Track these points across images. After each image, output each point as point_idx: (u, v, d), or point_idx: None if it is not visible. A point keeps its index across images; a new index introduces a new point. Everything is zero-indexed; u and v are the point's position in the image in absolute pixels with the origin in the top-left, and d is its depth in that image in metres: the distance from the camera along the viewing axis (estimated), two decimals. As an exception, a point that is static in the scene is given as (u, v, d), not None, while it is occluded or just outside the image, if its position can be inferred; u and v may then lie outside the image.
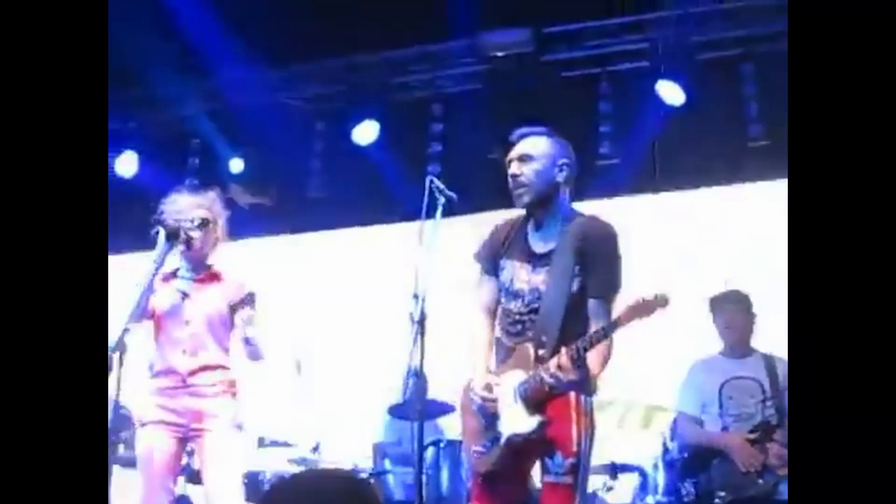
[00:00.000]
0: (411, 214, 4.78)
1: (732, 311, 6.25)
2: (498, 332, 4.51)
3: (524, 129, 4.52)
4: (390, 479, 7.02)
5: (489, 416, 4.35)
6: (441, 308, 4.65)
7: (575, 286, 4.26)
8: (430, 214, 4.48)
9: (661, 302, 3.99)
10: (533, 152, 4.44)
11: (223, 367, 5.26)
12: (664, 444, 6.79)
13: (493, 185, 8.11)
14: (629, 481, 6.75)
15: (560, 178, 4.47)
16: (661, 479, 6.53)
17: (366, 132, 9.06)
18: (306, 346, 9.21)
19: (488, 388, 4.34)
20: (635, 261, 8.82)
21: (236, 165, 9.63)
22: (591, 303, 4.27)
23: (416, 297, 4.30)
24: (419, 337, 4.24)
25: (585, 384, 4.21)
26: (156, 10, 8.09)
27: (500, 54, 8.64)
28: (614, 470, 6.77)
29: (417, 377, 4.33)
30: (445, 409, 6.86)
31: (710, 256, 8.76)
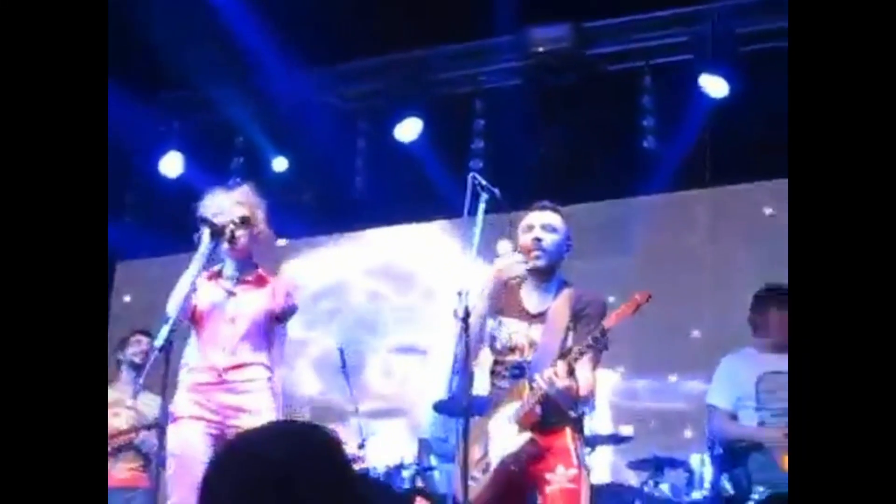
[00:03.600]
0: (454, 211, 4.81)
1: (774, 306, 6.19)
2: (494, 382, 4.76)
3: (545, 202, 4.87)
4: (436, 475, 7.04)
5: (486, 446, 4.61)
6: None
7: (569, 341, 4.53)
8: (473, 211, 4.52)
9: (642, 300, 4.34)
10: (556, 224, 4.79)
11: (262, 364, 5.22)
12: (710, 439, 6.77)
13: (536, 182, 8.23)
14: (674, 477, 6.74)
15: (566, 254, 4.83)
16: (707, 474, 6.52)
17: (408, 129, 9.08)
18: (352, 343, 9.28)
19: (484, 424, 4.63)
20: (678, 255, 8.90)
21: (280, 164, 9.68)
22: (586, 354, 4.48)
23: (459, 293, 4.34)
24: (464, 333, 4.28)
25: (576, 396, 4.45)
26: (200, 11, 8.14)
27: (541, 49, 8.63)
28: (659, 464, 6.76)
29: (463, 373, 4.37)
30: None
31: (754, 253, 8.70)
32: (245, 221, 5.17)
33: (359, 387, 8.36)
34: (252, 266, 5.32)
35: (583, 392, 4.47)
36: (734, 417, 6.06)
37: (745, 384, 6.02)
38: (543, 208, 4.83)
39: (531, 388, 4.46)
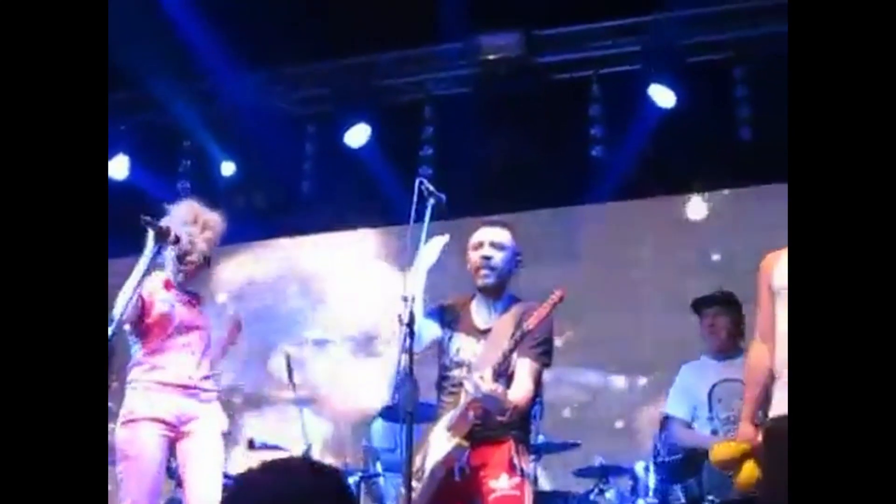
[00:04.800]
0: (401, 217, 4.82)
1: (715, 312, 6.30)
2: (440, 396, 4.80)
3: (494, 218, 5.04)
4: (381, 482, 7.02)
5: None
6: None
7: (506, 348, 4.46)
8: (420, 217, 4.52)
9: (558, 299, 4.43)
10: (504, 242, 4.79)
11: (217, 374, 5.33)
12: (654, 447, 6.80)
13: (484, 189, 8.25)
14: (620, 484, 6.77)
15: (515, 269, 4.83)
16: (651, 481, 6.54)
17: (357, 135, 9.06)
18: (297, 349, 9.24)
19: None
20: (626, 263, 8.98)
21: (228, 168, 9.63)
22: (520, 361, 4.54)
23: (404, 299, 4.35)
24: (408, 339, 4.30)
25: (503, 403, 4.38)
26: (147, 11, 8.08)
27: (491, 57, 8.64)
28: (604, 472, 6.78)
29: (406, 379, 4.37)
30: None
31: (702, 260, 8.80)
32: (193, 222, 5.23)
33: (302, 392, 8.30)
34: (196, 278, 5.41)
35: (516, 399, 4.43)
36: (689, 426, 6.13)
37: (699, 394, 6.10)
38: (492, 224, 4.86)
39: (465, 396, 4.47)
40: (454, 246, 4.83)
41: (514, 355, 4.47)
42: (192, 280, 5.44)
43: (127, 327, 5.11)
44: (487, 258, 4.72)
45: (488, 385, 4.29)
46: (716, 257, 8.85)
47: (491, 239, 4.76)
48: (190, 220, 5.26)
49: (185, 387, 5.17)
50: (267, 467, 2.16)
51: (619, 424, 8.74)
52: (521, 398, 4.47)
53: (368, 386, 9.33)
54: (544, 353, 4.58)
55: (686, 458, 6.17)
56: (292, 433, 7.52)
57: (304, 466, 2.17)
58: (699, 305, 6.41)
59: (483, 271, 4.73)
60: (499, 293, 4.79)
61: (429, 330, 4.74)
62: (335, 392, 9.48)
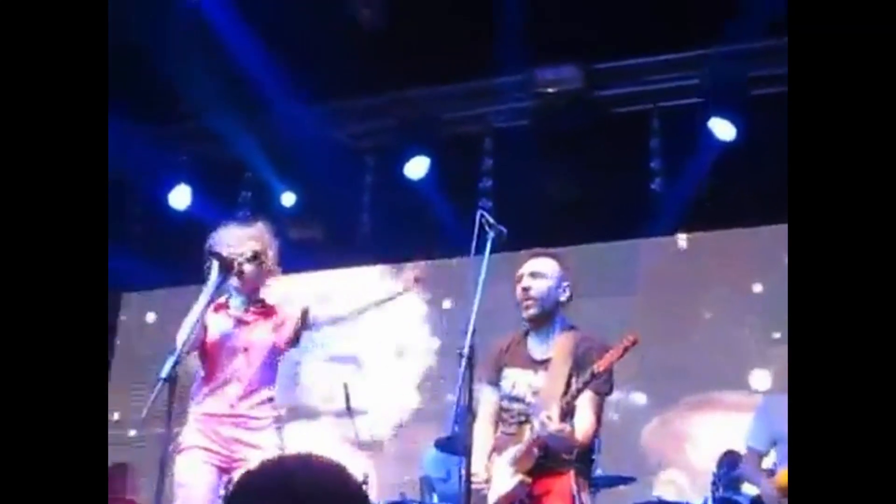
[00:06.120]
0: (460, 250, 4.83)
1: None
2: (501, 428, 4.76)
3: (537, 249, 4.91)
4: (437, 513, 7.02)
5: (481, 495, 4.58)
6: (490, 344, 4.73)
7: (572, 387, 4.46)
8: (480, 249, 4.53)
9: (632, 343, 4.34)
10: (545, 270, 4.78)
11: (271, 400, 5.24)
12: (713, 482, 6.75)
13: (543, 222, 8.25)
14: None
15: (563, 297, 4.80)
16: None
17: (417, 167, 9.12)
18: (355, 380, 9.28)
19: (486, 469, 4.62)
20: (681, 297, 8.92)
21: (288, 199, 9.72)
22: (582, 397, 4.48)
23: (464, 332, 4.35)
24: (467, 372, 4.28)
25: (571, 440, 4.40)
26: (210, 45, 8.20)
27: (550, 90, 8.67)
28: (662, 508, 6.74)
29: (466, 411, 4.37)
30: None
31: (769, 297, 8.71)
32: (256, 257, 5.18)
33: (359, 422, 8.32)
34: (259, 300, 5.32)
35: (580, 436, 4.44)
36: (761, 458, 6.03)
37: (780, 427, 5.97)
38: (535, 255, 4.85)
39: (531, 432, 4.46)
40: (512, 279, 4.84)
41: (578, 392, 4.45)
42: (256, 295, 5.34)
43: (196, 354, 5.12)
44: (526, 289, 4.73)
45: (556, 425, 4.30)
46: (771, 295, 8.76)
47: (531, 270, 4.77)
48: (248, 253, 5.22)
49: (230, 416, 5.09)
50: (267, 467, 2.12)
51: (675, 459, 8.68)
52: (585, 434, 4.47)
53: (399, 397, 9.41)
54: (605, 383, 4.55)
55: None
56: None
57: (304, 465, 2.10)
58: None
59: (525, 303, 4.74)
60: (548, 321, 4.77)
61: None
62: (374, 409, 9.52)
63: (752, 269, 8.89)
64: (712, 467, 7.32)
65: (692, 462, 8.51)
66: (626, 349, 4.34)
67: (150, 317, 10.62)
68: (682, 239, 9.20)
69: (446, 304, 9.69)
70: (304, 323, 5.32)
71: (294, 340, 5.31)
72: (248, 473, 2.11)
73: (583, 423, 4.47)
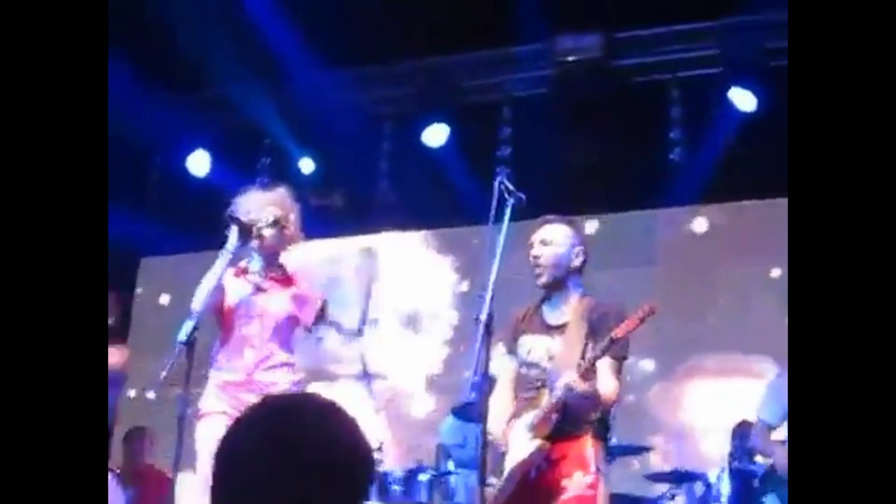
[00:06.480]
0: (479, 218, 4.83)
1: None
2: (518, 393, 4.76)
3: (549, 216, 4.85)
4: (452, 479, 7.04)
5: (500, 456, 4.61)
6: (507, 311, 4.74)
7: (588, 353, 4.48)
8: (499, 217, 4.52)
9: (649, 312, 4.37)
10: (554, 238, 4.75)
11: (287, 365, 5.25)
12: (731, 453, 6.76)
13: (562, 191, 8.23)
14: (691, 490, 6.73)
15: (575, 262, 4.77)
16: (724, 488, 6.51)
17: (436, 135, 9.11)
18: (374, 346, 9.31)
19: (504, 434, 4.63)
20: (704, 268, 8.90)
21: (306, 165, 9.72)
22: (602, 362, 4.50)
23: (481, 297, 4.35)
24: (485, 338, 4.29)
25: (597, 401, 4.44)
26: (228, 12, 8.19)
27: (570, 59, 8.63)
28: (677, 477, 6.75)
29: (483, 378, 4.39)
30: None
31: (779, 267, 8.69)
32: (276, 223, 5.19)
33: (376, 389, 8.36)
34: (278, 265, 5.33)
35: (606, 398, 4.47)
36: (772, 429, 6.06)
37: None
38: (546, 222, 4.82)
39: (549, 397, 4.47)
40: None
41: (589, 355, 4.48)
42: (276, 259, 5.35)
43: (216, 319, 5.14)
44: (536, 257, 4.73)
45: (582, 387, 4.32)
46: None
47: (541, 237, 4.75)
48: (270, 218, 5.22)
49: (244, 383, 5.11)
50: (272, 406, 2.01)
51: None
52: (608, 397, 4.49)
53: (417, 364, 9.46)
54: (623, 348, 4.54)
55: (765, 473, 6.11)
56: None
57: (315, 408, 1.98)
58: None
59: (536, 270, 4.74)
60: (561, 287, 4.76)
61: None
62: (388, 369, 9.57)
63: (770, 242, 8.85)
64: (723, 437, 7.35)
65: (699, 430, 8.53)
66: (642, 319, 4.35)
67: (168, 282, 10.65)
68: (700, 218, 9.17)
69: (465, 271, 9.69)
70: (323, 314, 5.36)
71: (313, 325, 5.35)
72: (251, 409, 2.05)
73: (606, 387, 4.47)
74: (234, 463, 1.87)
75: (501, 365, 4.85)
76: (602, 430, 4.61)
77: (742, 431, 6.93)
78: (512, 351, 4.82)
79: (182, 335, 4.54)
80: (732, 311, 8.83)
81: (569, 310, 4.70)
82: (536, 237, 4.75)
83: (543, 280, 4.73)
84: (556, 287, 4.75)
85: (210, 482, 1.91)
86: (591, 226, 4.98)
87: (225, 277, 5.09)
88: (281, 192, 5.38)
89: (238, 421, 1.94)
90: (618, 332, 4.34)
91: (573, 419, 4.47)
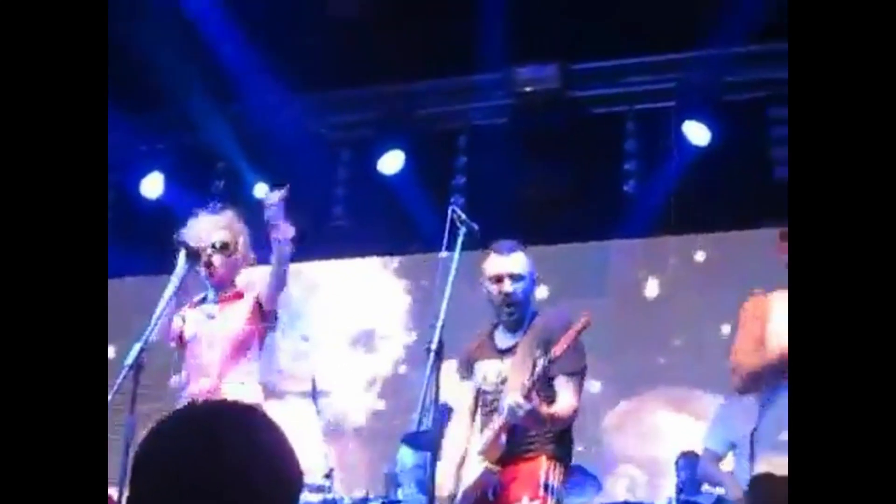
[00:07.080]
0: (432, 245, 4.82)
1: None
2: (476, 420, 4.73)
3: (509, 243, 4.77)
4: (402, 508, 7.00)
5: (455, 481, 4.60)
6: (458, 339, 4.72)
7: (539, 368, 4.35)
8: (451, 245, 4.51)
9: (585, 325, 4.36)
10: (522, 272, 4.70)
11: (248, 381, 5.18)
12: (678, 486, 6.77)
13: (516, 221, 8.25)
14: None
15: (535, 291, 4.87)
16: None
17: (391, 162, 9.10)
18: (323, 373, 9.25)
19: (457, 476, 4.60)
20: (655, 300, 8.94)
21: (261, 190, 9.67)
22: (558, 380, 4.49)
23: (433, 326, 4.34)
24: (436, 366, 4.26)
25: (541, 420, 4.37)
26: (187, 31, 8.15)
27: (528, 89, 8.67)
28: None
29: (434, 405, 4.36)
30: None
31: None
32: (224, 247, 5.16)
33: (326, 417, 8.30)
34: (231, 288, 5.29)
35: (559, 415, 4.41)
36: (719, 460, 6.07)
37: (739, 431, 5.99)
38: (511, 250, 4.73)
39: (498, 419, 4.44)
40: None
41: (546, 377, 4.41)
42: (229, 284, 5.30)
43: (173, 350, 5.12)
44: (509, 294, 4.65)
45: (525, 407, 4.24)
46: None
47: (510, 271, 4.66)
48: (218, 242, 5.19)
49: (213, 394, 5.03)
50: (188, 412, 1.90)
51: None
52: (561, 413, 4.43)
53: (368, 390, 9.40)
54: (572, 362, 4.50)
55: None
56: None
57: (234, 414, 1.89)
58: None
59: (507, 309, 4.67)
60: (522, 322, 4.71)
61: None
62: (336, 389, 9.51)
63: (725, 275, 8.92)
64: (671, 467, 7.36)
65: (651, 459, 8.54)
66: (578, 332, 4.34)
67: (120, 305, 10.54)
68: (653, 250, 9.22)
69: (417, 299, 9.67)
70: (262, 313, 5.28)
71: (261, 326, 5.29)
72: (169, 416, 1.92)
73: (560, 404, 4.44)
74: (145, 470, 1.80)
75: (459, 393, 4.83)
76: (560, 451, 4.55)
77: (687, 462, 6.93)
78: (465, 378, 4.80)
79: (129, 359, 4.49)
80: (684, 344, 8.87)
81: (521, 331, 4.68)
82: (504, 269, 4.67)
83: (515, 317, 4.69)
84: (520, 320, 4.71)
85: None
86: (543, 256, 4.94)
87: (185, 311, 5.09)
88: (229, 216, 5.34)
89: (151, 429, 1.86)
90: (556, 351, 4.30)
91: (522, 440, 4.45)
